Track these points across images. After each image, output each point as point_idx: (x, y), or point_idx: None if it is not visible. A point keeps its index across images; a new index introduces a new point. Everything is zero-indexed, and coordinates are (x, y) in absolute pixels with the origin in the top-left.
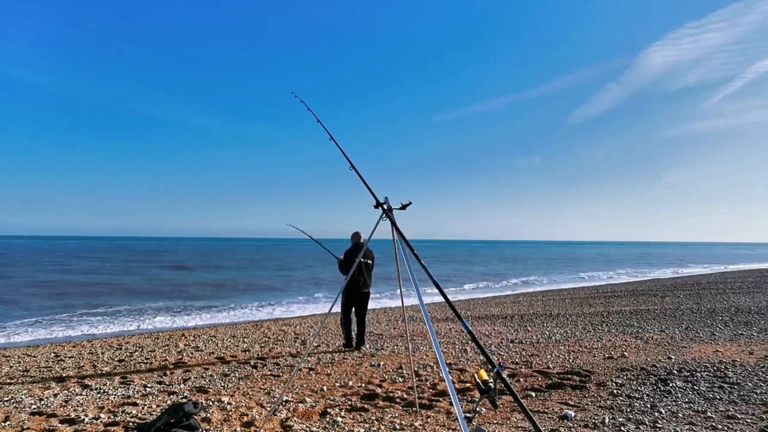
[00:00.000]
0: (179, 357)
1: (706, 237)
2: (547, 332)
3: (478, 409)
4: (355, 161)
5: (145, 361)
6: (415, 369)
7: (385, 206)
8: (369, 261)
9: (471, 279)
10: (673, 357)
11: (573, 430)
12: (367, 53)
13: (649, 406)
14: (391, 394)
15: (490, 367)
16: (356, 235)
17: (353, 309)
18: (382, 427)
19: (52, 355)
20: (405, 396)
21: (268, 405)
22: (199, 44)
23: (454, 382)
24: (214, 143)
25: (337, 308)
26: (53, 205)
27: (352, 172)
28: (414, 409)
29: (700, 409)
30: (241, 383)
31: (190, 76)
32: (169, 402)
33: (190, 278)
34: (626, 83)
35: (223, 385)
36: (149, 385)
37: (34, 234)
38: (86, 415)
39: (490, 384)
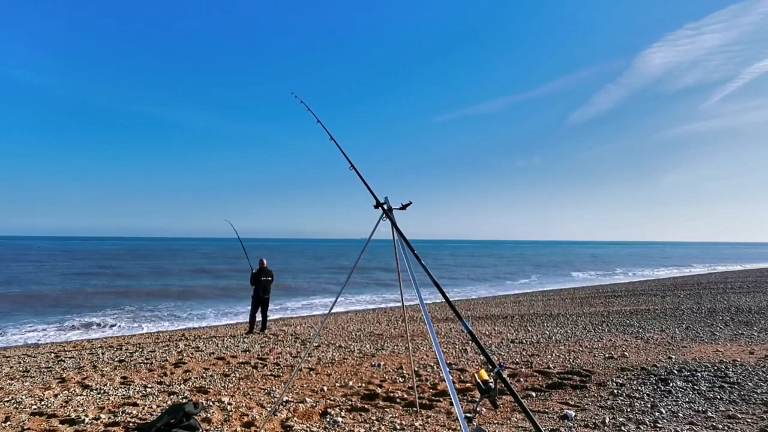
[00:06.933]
0: (179, 357)
1: (706, 237)
2: (548, 332)
3: (478, 409)
4: (355, 161)
5: (145, 361)
6: (416, 369)
7: (386, 206)
8: (269, 278)
9: (471, 279)
10: (673, 357)
11: (573, 430)
12: (368, 55)
13: (649, 405)
14: (392, 394)
15: (490, 367)
16: (261, 261)
17: (259, 308)
18: (383, 428)
19: (52, 355)
20: (405, 396)
21: (269, 405)
22: (203, 47)
23: (454, 382)
24: (216, 144)
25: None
26: (56, 206)
27: (352, 172)
28: (414, 409)
29: (700, 408)
30: (242, 383)
31: (194, 78)
32: (169, 402)
33: (190, 279)
34: (625, 84)
35: (223, 385)
36: (149, 386)
37: (36, 235)
38: (87, 416)
39: (491, 384)
